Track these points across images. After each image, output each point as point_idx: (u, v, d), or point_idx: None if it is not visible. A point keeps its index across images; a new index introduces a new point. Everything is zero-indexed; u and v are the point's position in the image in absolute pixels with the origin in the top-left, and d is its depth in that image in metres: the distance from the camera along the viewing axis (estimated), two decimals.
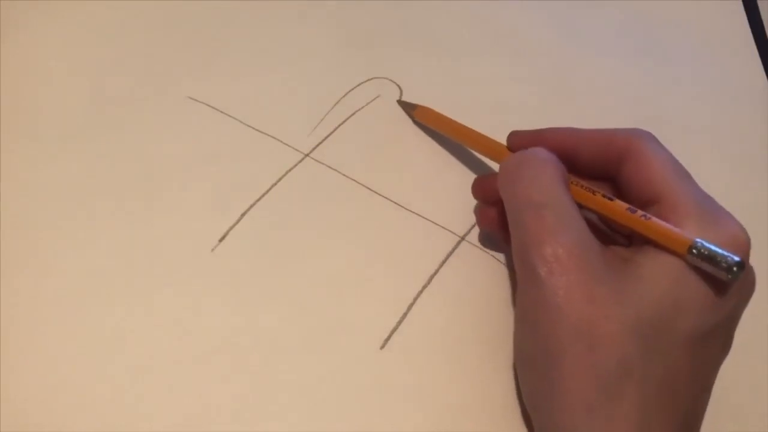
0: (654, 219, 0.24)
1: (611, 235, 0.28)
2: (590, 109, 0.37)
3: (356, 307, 0.30)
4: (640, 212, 0.24)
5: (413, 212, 0.33)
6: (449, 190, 0.34)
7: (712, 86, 0.39)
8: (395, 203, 0.33)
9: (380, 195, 0.33)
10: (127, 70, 0.38)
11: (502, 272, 0.31)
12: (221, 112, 0.36)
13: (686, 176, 0.25)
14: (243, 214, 0.33)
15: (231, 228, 0.32)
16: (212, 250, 0.32)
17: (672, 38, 0.41)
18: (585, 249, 0.23)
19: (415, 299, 0.30)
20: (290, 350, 0.29)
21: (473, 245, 0.32)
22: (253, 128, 0.36)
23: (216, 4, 0.41)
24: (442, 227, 0.32)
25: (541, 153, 0.26)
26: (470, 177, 0.34)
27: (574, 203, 0.24)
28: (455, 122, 0.33)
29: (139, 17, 0.40)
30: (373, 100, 0.37)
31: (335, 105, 0.37)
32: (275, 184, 0.34)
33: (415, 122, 0.36)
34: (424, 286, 0.31)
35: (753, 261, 0.32)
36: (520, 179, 0.25)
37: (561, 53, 0.39)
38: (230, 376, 0.28)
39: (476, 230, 0.33)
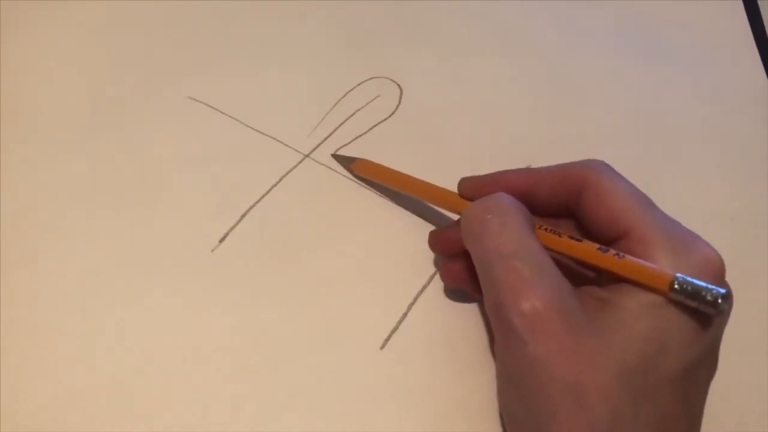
0: (628, 257, 0.23)
1: (579, 271, 0.26)
2: (590, 109, 0.37)
3: (356, 307, 0.30)
4: (611, 251, 0.23)
5: (413, 213, 0.33)
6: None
7: (712, 86, 0.39)
8: (395, 203, 0.33)
9: (380, 195, 0.33)
10: (127, 70, 0.38)
11: None
12: (221, 112, 0.36)
13: (648, 204, 0.24)
14: (243, 215, 0.33)
15: (231, 228, 0.32)
16: (212, 250, 0.32)
17: (672, 38, 0.41)
18: (563, 299, 0.22)
19: (415, 299, 0.30)
20: (290, 350, 0.29)
21: None
22: (253, 129, 0.36)
23: (216, 4, 0.41)
24: None
25: (503, 199, 0.25)
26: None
27: (544, 250, 0.23)
28: (399, 174, 0.32)
29: (139, 17, 0.40)
30: (373, 99, 0.37)
31: (335, 105, 0.37)
32: (275, 184, 0.34)
33: (355, 176, 0.34)
34: (424, 286, 0.31)
35: (754, 261, 0.32)
36: (486, 230, 0.24)
37: (561, 53, 0.39)
38: (230, 376, 0.28)
39: None
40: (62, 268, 0.31)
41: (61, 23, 0.40)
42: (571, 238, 0.24)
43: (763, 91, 0.39)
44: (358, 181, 0.34)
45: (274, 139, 0.35)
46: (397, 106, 0.37)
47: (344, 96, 0.37)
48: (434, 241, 0.30)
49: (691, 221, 0.33)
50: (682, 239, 0.23)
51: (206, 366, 0.29)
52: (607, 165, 0.26)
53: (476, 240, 0.24)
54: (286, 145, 0.35)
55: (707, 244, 0.23)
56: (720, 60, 0.40)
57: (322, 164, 0.34)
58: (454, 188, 0.29)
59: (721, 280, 0.23)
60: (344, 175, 0.34)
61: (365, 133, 0.36)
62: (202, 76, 0.38)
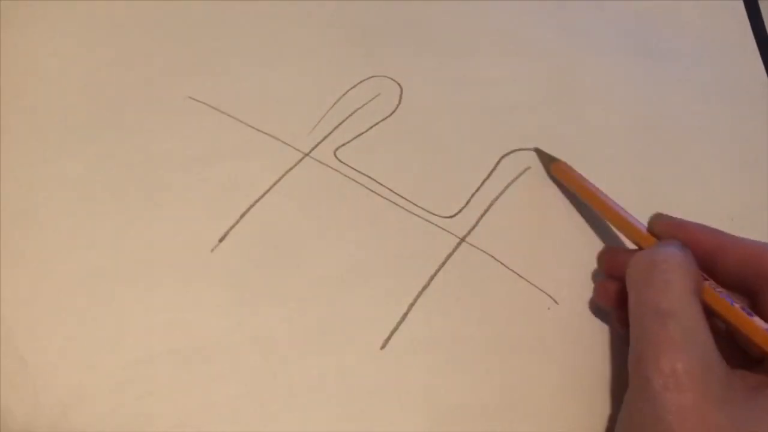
0: None
1: (743, 349, 0.25)
2: (590, 109, 0.37)
3: (356, 307, 0.30)
4: None
5: (413, 213, 0.33)
6: (450, 192, 0.34)
7: (713, 86, 0.39)
8: (395, 204, 0.33)
9: (380, 195, 0.33)
10: (126, 70, 0.38)
11: (502, 272, 0.31)
12: (221, 111, 0.36)
13: None
14: (243, 214, 0.33)
15: (231, 228, 0.32)
16: (212, 250, 0.32)
17: (672, 38, 0.41)
18: (706, 368, 0.21)
19: (416, 299, 0.30)
20: (290, 350, 0.29)
21: (473, 246, 0.32)
22: (253, 127, 0.36)
23: (216, 4, 0.41)
24: (443, 228, 0.33)
25: (676, 256, 0.24)
26: (465, 183, 0.34)
27: (703, 316, 0.22)
28: (592, 190, 0.31)
29: (139, 17, 0.40)
30: (374, 98, 0.37)
31: (335, 104, 0.37)
32: (275, 183, 0.34)
33: (550, 176, 0.34)
34: (425, 287, 0.31)
35: None
36: (650, 283, 0.23)
37: (561, 53, 0.39)
38: (230, 375, 0.28)
39: (476, 231, 0.33)
40: (62, 267, 0.31)
41: (61, 23, 0.40)
42: (743, 309, 0.23)
43: (763, 91, 0.39)
44: (359, 181, 0.34)
45: (274, 137, 0.35)
46: (398, 105, 0.37)
47: (344, 94, 0.37)
48: (604, 256, 0.30)
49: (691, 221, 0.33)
50: None
51: (206, 366, 0.29)
52: None
53: (637, 289, 0.24)
54: (286, 143, 0.35)
55: None
56: (720, 60, 0.40)
57: (323, 163, 0.34)
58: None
59: None
60: (344, 174, 0.34)
61: (365, 131, 0.36)
62: (202, 75, 0.38)
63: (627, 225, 0.29)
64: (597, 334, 0.30)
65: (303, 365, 0.29)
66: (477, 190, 0.34)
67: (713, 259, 0.25)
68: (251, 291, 0.31)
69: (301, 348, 0.29)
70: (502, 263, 0.32)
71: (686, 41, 0.40)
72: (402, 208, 0.33)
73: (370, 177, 0.34)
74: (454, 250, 0.32)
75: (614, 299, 0.28)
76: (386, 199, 0.33)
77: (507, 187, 0.34)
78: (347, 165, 0.34)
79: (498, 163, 0.35)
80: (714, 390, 0.21)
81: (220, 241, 0.32)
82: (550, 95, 0.38)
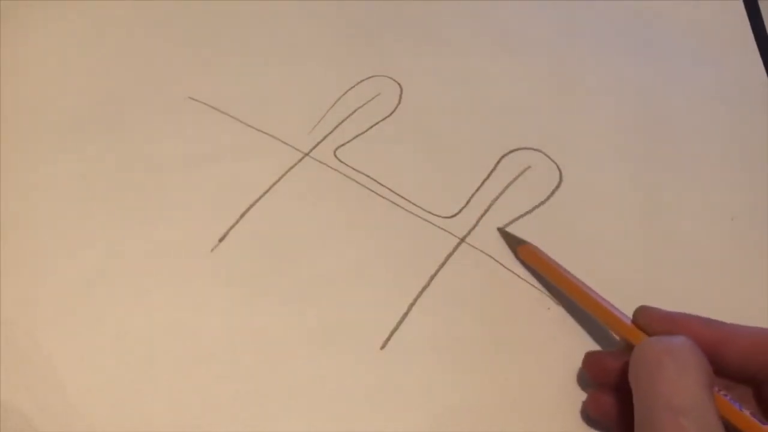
0: None
1: None
2: (590, 109, 0.37)
3: (356, 307, 0.30)
4: None
5: (414, 213, 0.33)
6: (450, 192, 0.34)
7: (713, 86, 0.39)
8: (395, 204, 0.33)
9: (380, 195, 0.33)
10: (127, 70, 0.38)
11: (502, 273, 0.31)
12: (221, 111, 0.36)
13: None
14: (243, 214, 0.33)
15: (231, 228, 0.32)
16: (212, 250, 0.32)
17: (672, 38, 0.41)
18: None
19: (416, 299, 0.30)
20: (290, 350, 0.29)
21: (473, 247, 0.32)
22: (253, 127, 0.36)
23: (216, 4, 0.41)
24: (443, 228, 0.33)
25: (687, 345, 0.22)
26: (465, 183, 0.34)
27: (717, 414, 0.21)
28: (564, 276, 0.29)
29: (139, 17, 0.40)
30: (374, 98, 0.37)
31: (335, 103, 0.37)
32: (275, 183, 0.34)
33: (518, 259, 0.32)
34: (425, 287, 0.31)
35: (754, 261, 0.32)
36: (662, 374, 0.22)
37: (561, 53, 0.39)
38: (230, 375, 0.28)
39: (476, 231, 0.33)
40: (62, 267, 0.31)
41: (61, 23, 0.40)
42: (753, 415, 0.22)
43: (763, 91, 0.39)
44: (358, 181, 0.34)
45: (273, 137, 0.35)
46: (398, 105, 0.37)
47: (344, 94, 0.37)
48: (590, 362, 0.27)
49: (691, 221, 0.33)
50: None
51: (206, 366, 0.29)
52: None
53: (646, 382, 0.22)
54: (286, 143, 0.35)
55: None
56: (720, 60, 0.40)
57: (323, 163, 0.34)
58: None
59: None
60: (344, 174, 0.34)
61: (365, 131, 0.36)
62: (202, 75, 0.38)
63: (612, 318, 0.27)
64: (597, 334, 0.30)
65: (303, 365, 0.29)
66: (477, 190, 0.34)
67: (714, 352, 0.24)
68: (251, 291, 0.31)
69: (301, 348, 0.29)
70: (501, 264, 0.32)
71: (686, 41, 0.40)
72: (402, 208, 0.33)
73: (370, 177, 0.34)
74: (454, 250, 0.32)
75: (612, 412, 0.26)
76: (386, 199, 0.33)
77: (507, 187, 0.34)
78: (347, 165, 0.34)
79: (498, 162, 0.35)
80: None
81: (220, 240, 0.32)
82: (549, 95, 0.38)
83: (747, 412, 0.22)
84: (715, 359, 0.23)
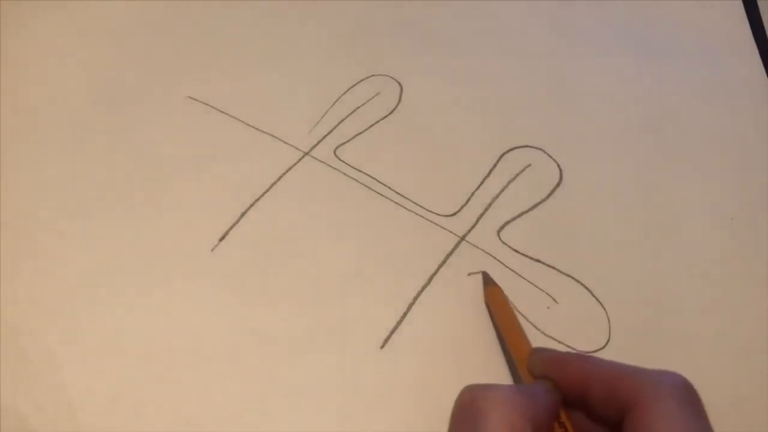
0: None
1: None
2: (590, 109, 0.37)
3: (356, 307, 0.30)
4: None
5: (413, 211, 0.33)
6: (451, 190, 0.34)
7: (712, 86, 0.39)
8: (395, 202, 0.33)
9: (380, 194, 0.33)
10: (127, 70, 0.38)
11: (502, 273, 0.31)
12: (221, 111, 0.36)
13: None
14: (243, 214, 0.33)
15: (231, 227, 0.32)
16: (212, 249, 0.32)
17: (672, 38, 0.41)
18: None
19: (415, 299, 0.30)
20: (290, 350, 0.29)
21: (473, 245, 0.32)
22: (253, 127, 0.36)
23: (216, 4, 0.41)
24: (443, 227, 0.32)
25: (496, 398, 0.21)
26: (465, 181, 0.34)
27: None
28: (506, 320, 0.28)
29: (139, 17, 0.40)
30: (374, 97, 0.37)
31: (335, 102, 0.37)
32: (275, 183, 0.34)
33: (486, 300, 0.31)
34: (424, 286, 0.31)
35: (754, 261, 0.32)
36: (464, 427, 0.21)
37: (561, 53, 0.39)
38: (230, 375, 0.28)
39: (476, 229, 0.33)
40: (62, 268, 0.31)
41: (61, 23, 0.40)
42: None
43: (763, 91, 0.39)
44: (359, 180, 0.34)
45: (273, 137, 0.35)
46: (398, 104, 0.37)
47: (344, 93, 0.37)
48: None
49: (691, 221, 0.33)
50: None
51: (206, 365, 0.28)
52: (673, 390, 0.20)
53: (452, 427, 0.21)
54: (286, 143, 0.35)
55: None
56: (720, 60, 0.40)
57: (323, 162, 0.34)
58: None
59: None
60: (344, 174, 0.34)
61: (365, 130, 0.36)
62: (202, 75, 0.38)
63: (520, 351, 0.26)
64: (596, 333, 0.30)
65: (303, 364, 0.29)
66: (477, 189, 0.34)
67: (584, 391, 0.22)
68: (251, 290, 0.30)
69: (301, 347, 0.29)
70: (501, 262, 0.32)
71: (686, 41, 0.41)
72: (402, 207, 0.33)
73: (370, 176, 0.34)
74: (454, 249, 0.32)
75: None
76: (386, 198, 0.33)
77: (507, 185, 0.34)
78: (347, 164, 0.34)
79: (498, 161, 0.35)
80: None
81: (221, 240, 0.32)
82: (549, 94, 0.38)
83: None
84: (586, 397, 0.22)
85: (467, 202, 0.33)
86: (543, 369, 0.24)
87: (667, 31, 0.41)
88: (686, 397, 0.20)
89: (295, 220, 0.32)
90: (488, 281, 0.30)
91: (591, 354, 0.29)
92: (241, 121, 0.36)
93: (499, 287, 0.30)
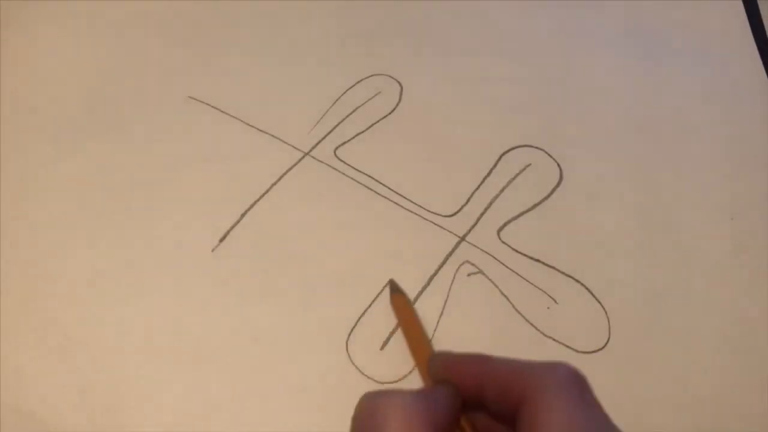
0: None
1: None
2: (590, 109, 0.37)
3: (356, 307, 0.30)
4: None
5: (414, 212, 0.33)
6: (451, 190, 0.34)
7: (712, 86, 0.39)
8: (395, 203, 0.33)
9: (380, 194, 0.33)
10: (127, 70, 0.38)
11: (502, 273, 0.31)
12: (221, 111, 0.36)
13: None
14: (243, 214, 0.33)
15: (231, 227, 0.32)
16: (213, 249, 0.32)
17: (672, 38, 0.41)
18: None
19: (415, 299, 0.30)
20: (290, 349, 0.29)
21: (473, 245, 0.32)
22: (253, 127, 0.36)
23: (216, 4, 0.41)
24: (443, 227, 0.32)
25: (393, 408, 0.20)
26: (465, 181, 0.34)
27: None
28: (408, 326, 0.29)
29: (139, 17, 0.40)
30: (374, 96, 0.37)
31: (335, 102, 0.37)
32: (275, 183, 0.34)
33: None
34: (424, 287, 0.31)
35: (754, 261, 0.32)
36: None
37: (561, 53, 0.39)
38: (230, 375, 0.28)
39: (476, 231, 0.33)
40: (62, 267, 0.31)
41: (61, 23, 0.40)
42: None
43: (763, 91, 0.39)
44: (359, 180, 0.34)
45: (274, 137, 0.35)
46: (398, 103, 0.37)
47: (344, 93, 0.37)
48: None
49: (691, 221, 0.33)
50: None
51: (206, 365, 0.28)
52: (563, 383, 0.20)
53: None
54: (286, 143, 0.35)
55: None
56: (720, 60, 0.40)
57: (323, 162, 0.34)
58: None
59: None
60: (344, 174, 0.34)
61: (366, 130, 0.36)
62: (202, 75, 0.38)
63: (420, 358, 0.27)
64: (596, 333, 0.30)
65: (303, 364, 0.29)
66: (477, 189, 0.34)
67: (480, 392, 0.22)
68: (252, 290, 0.31)
69: (301, 347, 0.29)
70: (501, 262, 0.32)
71: (686, 41, 0.41)
72: (402, 207, 0.33)
73: (370, 176, 0.34)
74: (454, 249, 0.32)
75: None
76: (386, 198, 0.33)
77: (507, 185, 0.34)
78: (347, 164, 0.34)
79: (498, 161, 0.35)
80: None
81: (221, 240, 0.32)
82: (549, 94, 0.38)
83: None
84: (483, 397, 0.22)
85: (467, 202, 0.33)
86: (442, 372, 0.23)
87: (667, 31, 0.41)
88: (573, 386, 0.20)
89: (295, 220, 0.32)
90: (394, 288, 0.30)
91: (588, 354, 0.29)
92: (241, 121, 0.36)
93: (403, 294, 0.30)
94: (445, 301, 0.30)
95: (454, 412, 0.22)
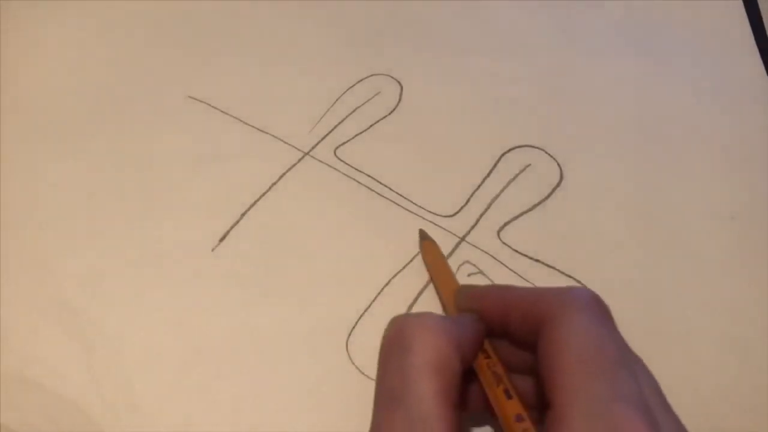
0: None
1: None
2: (590, 109, 0.37)
3: (356, 307, 0.30)
4: (525, 424, 0.20)
5: (414, 212, 0.33)
6: (451, 191, 0.34)
7: (712, 86, 0.39)
8: (395, 203, 0.33)
9: (380, 194, 0.33)
10: (127, 70, 0.38)
11: (502, 273, 0.31)
12: (221, 111, 0.36)
13: (599, 373, 0.19)
14: (243, 214, 0.33)
15: (231, 227, 0.32)
16: (212, 249, 0.32)
17: (672, 38, 0.41)
18: None
19: (415, 300, 0.30)
20: (290, 350, 0.29)
21: (473, 246, 0.32)
22: (253, 127, 0.36)
23: (216, 4, 0.41)
24: (443, 228, 0.32)
25: (424, 322, 0.21)
26: (465, 181, 0.34)
27: (444, 402, 0.20)
28: (440, 271, 0.30)
29: (139, 17, 0.40)
30: (374, 96, 0.37)
31: (335, 102, 0.37)
32: (275, 183, 0.34)
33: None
34: (424, 287, 0.31)
35: (754, 261, 0.32)
36: (388, 361, 0.21)
37: (561, 53, 0.39)
38: (230, 376, 0.28)
39: (476, 231, 0.33)
40: (61, 268, 0.31)
41: (61, 23, 0.40)
42: (506, 392, 0.21)
43: (763, 91, 0.39)
44: (359, 180, 0.34)
45: (274, 137, 0.35)
46: (398, 103, 0.37)
47: (344, 93, 0.37)
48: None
49: (691, 221, 0.33)
50: None
51: (206, 365, 0.28)
52: (582, 305, 0.21)
53: (378, 367, 0.22)
54: (286, 143, 0.35)
55: None
56: (720, 60, 0.40)
57: (323, 162, 0.34)
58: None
59: None
60: (345, 174, 0.34)
61: (366, 130, 0.36)
62: (202, 75, 0.38)
63: (447, 294, 0.28)
64: None
65: (303, 364, 0.29)
66: (477, 189, 0.34)
67: (504, 320, 0.23)
68: (252, 290, 0.31)
69: (301, 347, 0.29)
70: (501, 263, 0.32)
71: (686, 41, 0.40)
72: (402, 207, 0.33)
73: (370, 176, 0.34)
74: (454, 249, 0.32)
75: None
76: (386, 198, 0.33)
77: (507, 185, 0.34)
78: (347, 164, 0.34)
79: (498, 161, 0.35)
80: None
81: (221, 240, 0.32)
82: (549, 94, 0.38)
83: (503, 386, 0.22)
84: (507, 325, 0.23)
85: (467, 202, 0.33)
86: (467, 303, 0.24)
87: (667, 31, 0.41)
88: (594, 309, 0.21)
89: (295, 220, 0.32)
90: (424, 236, 0.31)
91: None
92: (241, 121, 0.36)
93: (433, 241, 0.31)
94: None
95: (478, 337, 0.23)
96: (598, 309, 0.21)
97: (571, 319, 0.20)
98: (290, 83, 0.37)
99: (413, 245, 0.32)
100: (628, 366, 0.19)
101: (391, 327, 0.22)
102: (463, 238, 0.32)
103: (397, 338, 0.21)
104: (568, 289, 0.22)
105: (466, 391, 0.23)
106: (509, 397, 0.21)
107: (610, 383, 0.19)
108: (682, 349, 0.30)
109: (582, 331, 0.20)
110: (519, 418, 0.20)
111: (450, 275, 0.29)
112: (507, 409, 0.21)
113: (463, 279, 0.31)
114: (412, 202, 0.33)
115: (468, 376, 0.23)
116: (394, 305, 0.30)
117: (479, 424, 0.27)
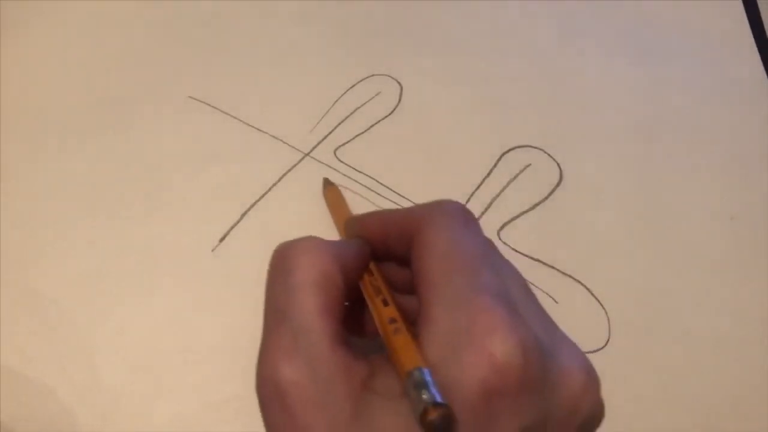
0: (400, 335, 0.20)
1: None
2: (590, 109, 0.37)
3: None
4: (396, 325, 0.20)
5: None
6: (451, 190, 0.34)
7: (712, 86, 0.39)
8: (395, 203, 0.33)
9: (380, 195, 0.33)
10: (127, 70, 0.38)
11: None
12: (222, 111, 0.36)
13: (462, 271, 0.20)
14: (243, 214, 0.33)
15: (232, 227, 0.32)
16: (213, 249, 0.32)
17: (672, 38, 0.41)
18: (313, 380, 0.19)
19: None
20: None
21: None
22: (254, 127, 0.36)
23: (216, 4, 0.41)
24: None
25: (305, 245, 0.22)
26: (465, 181, 0.34)
27: (326, 316, 0.20)
28: (339, 211, 0.31)
29: (139, 17, 0.40)
30: (374, 97, 0.37)
31: (335, 103, 0.37)
32: (276, 183, 0.34)
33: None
34: None
35: (754, 261, 0.32)
36: (274, 282, 0.21)
37: (561, 53, 0.39)
38: (230, 375, 0.28)
39: None
40: (62, 267, 0.31)
41: (61, 23, 0.40)
42: (384, 302, 0.22)
43: (763, 91, 0.39)
44: (359, 180, 0.34)
45: (274, 137, 0.35)
46: (398, 104, 0.37)
47: (344, 94, 0.37)
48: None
49: (691, 221, 0.33)
50: (468, 331, 0.18)
51: (206, 365, 0.28)
52: (448, 211, 0.22)
53: (267, 283, 0.22)
54: (287, 143, 0.35)
55: (503, 343, 0.18)
56: (720, 60, 0.40)
57: (323, 163, 0.34)
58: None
59: (498, 395, 0.17)
60: (345, 174, 0.34)
61: (366, 130, 0.36)
62: (202, 75, 0.38)
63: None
64: (596, 333, 0.30)
65: None
66: (477, 189, 0.34)
67: (386, 239, 0.24)
68: (252, 290, 0.30)
69: None
70: None
71: (686, 41, 0.41)
72: (402, 207, 0.33)
73: (370, 176, 0.34)
74: None
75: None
76: (386, 199, 0.33)
77: (507, 185, 0.34)
78: (347, 164, 0.34)
79: (498, 161, 0.35)
80: (319, 403, 0.19)
81: (221, 240, 0.32)
82: (549, 94, 0.38)
83: (381, 297, 0.22)
84: (388, 247, 0.23)
85: (467, 202, 0.33)
86: (354, 230, 0.25)
87: (667, 31, 0.41)
88: (459, 215, 0.22)
89: (295, 220, 0.32)
90: (328, 183, 0.33)
91: (588, 354, 0.29)
92: (241, 121, 0.36)
93: (336, 186, 0.33)
94: None
95: (363, 257, 0.24)
96: (462, 215, 0.22)
97: (436, 223, 0.21)
98: (290, 84, 0.37)
99: None
100: (491, 263, 0.20)
101: (276, 250, 0.22)
102: None
103: (281, 260, 0.22)
104: (437, 202, 0.23)
105: (362, 317, 0.24)
106: (386, 305, 0.22)
107: (471, 277, 0.19)
108: (681, 348, 0.30)
109: (445, 232, 0.21)
110: (392, 320, 0.21)
111: (347, 211, 0.30)
112: (383, 315, 0.22)
113: None
114: (412, 202, 0.33)
115: (363, 302, 0.23)
116: None
117: None
